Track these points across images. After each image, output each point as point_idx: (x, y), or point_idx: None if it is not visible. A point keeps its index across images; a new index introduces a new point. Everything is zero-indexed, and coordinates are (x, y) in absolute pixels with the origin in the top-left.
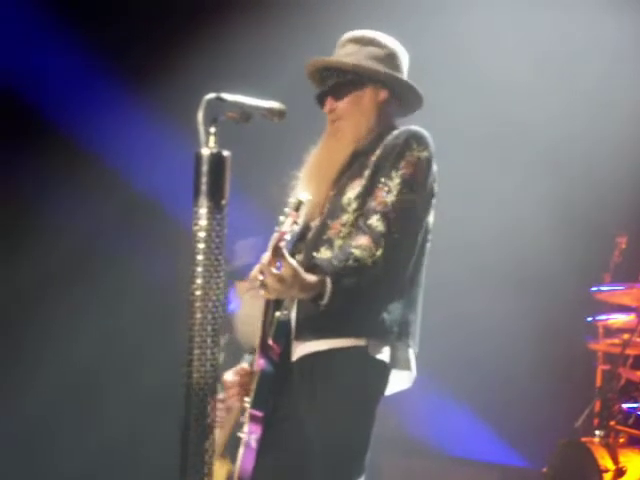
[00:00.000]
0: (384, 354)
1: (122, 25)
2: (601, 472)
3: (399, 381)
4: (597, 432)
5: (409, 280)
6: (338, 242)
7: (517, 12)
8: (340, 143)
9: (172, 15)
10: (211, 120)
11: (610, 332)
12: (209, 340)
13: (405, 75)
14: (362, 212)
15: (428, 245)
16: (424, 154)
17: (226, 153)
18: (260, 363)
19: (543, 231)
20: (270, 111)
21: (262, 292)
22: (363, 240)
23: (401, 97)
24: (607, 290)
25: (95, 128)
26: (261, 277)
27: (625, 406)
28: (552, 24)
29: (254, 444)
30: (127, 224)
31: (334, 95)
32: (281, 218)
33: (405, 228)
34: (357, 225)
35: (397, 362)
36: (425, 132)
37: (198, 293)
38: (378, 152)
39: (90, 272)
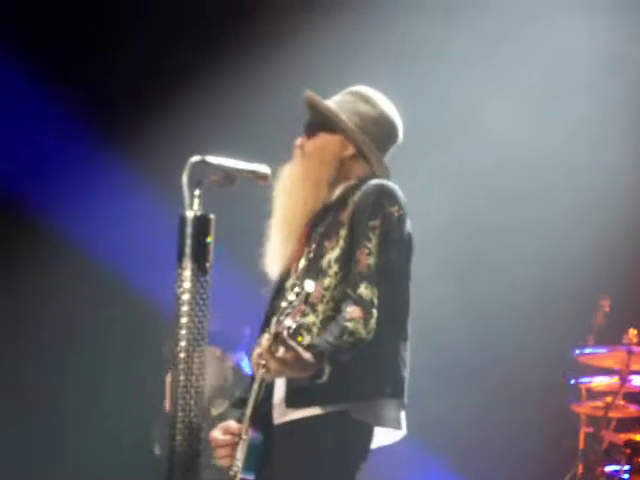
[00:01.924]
0: (370, 415)
1: (105, 86)
2: None
3: (386, 437)
4: None
5: (401, 337)
6: (321, 307)
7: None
8: (296, 187)
9: (159, 77)
10: (195, 183)
11: (593, 395)
12: (192, 403)
13: (387, 145)
14: (344, 276)
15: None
16: (395, 209)
17: (211, 216)
18: (251, 428)
19: (528, 291)
20: (254, 174)
21: (262, 372)
22: (355, 311)
23: (369, 160)
24: (590, 353)
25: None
26: (262, 361)
27: (608, 469)
28: None
29: None
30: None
31: (308, 133)
32: (284, 304)
33: (392, 289)
34: (344, 292)
35: (385, 421)
36: (394, 186)
37: (182, 356)
38: (350, 209)
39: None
